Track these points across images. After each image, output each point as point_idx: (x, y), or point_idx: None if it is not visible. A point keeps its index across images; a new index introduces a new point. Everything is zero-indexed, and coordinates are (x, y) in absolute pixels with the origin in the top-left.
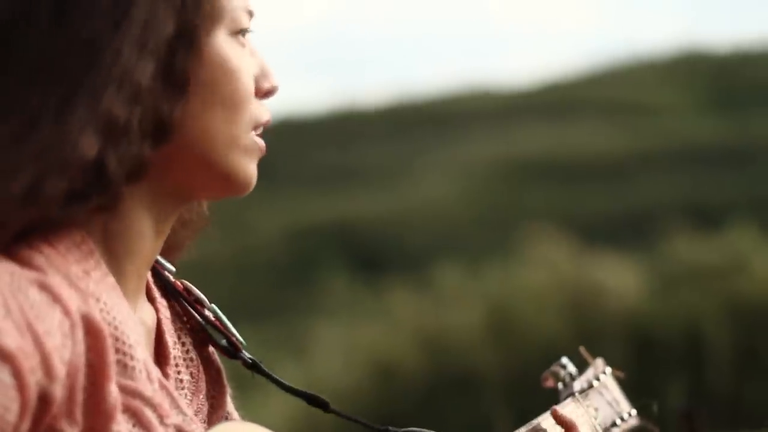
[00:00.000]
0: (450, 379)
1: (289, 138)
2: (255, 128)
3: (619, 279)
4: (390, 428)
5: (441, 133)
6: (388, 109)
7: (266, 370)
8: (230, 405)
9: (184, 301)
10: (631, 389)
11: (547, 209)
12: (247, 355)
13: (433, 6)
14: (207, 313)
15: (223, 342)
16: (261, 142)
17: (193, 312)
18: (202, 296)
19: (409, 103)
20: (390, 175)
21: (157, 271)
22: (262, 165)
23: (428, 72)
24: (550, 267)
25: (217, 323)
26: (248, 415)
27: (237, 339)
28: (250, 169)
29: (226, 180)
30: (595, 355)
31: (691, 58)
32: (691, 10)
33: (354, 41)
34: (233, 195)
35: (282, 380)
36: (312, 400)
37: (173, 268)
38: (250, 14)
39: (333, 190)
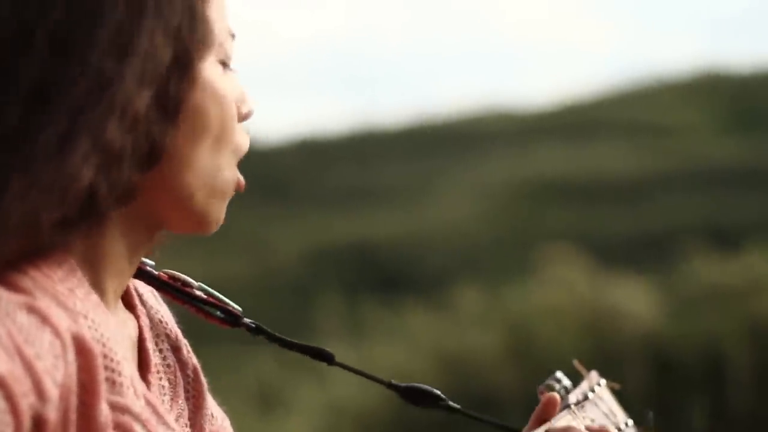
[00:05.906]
0: (470, 400)
1: (307, 158)
2: (237, 159)
3: (639, 300)
4: (392, 381)
5: (460, 154)
6: (407, 130)
7: (269, 330)
8: (210, 400)
9: (171, 289)
10: (652, 410)
11: (566, 230)
12: (248, 320)
13: (453, 26)
14: (197, 292)
15: (218, 314)
16: (241, 178)
17: (184, 296)
18: (188, 278)
19: (428, 124)
20: (409, 196)
21: (139, 269)
22: (280, 185)
23: (447, 92)
24: (569, 288)
25: (211, 299)
26: None
27: (234, 308)
28: (220, 211)
29: (197, 217)
30: (615, 376)
31: (711, 78)
32: (710, 31)
33: (373, 61)
34: (199, 233)
35: (284, 337)
36: (316, 353)
37: (153, 262)
38: (233, 37)
39: (352, 210)
